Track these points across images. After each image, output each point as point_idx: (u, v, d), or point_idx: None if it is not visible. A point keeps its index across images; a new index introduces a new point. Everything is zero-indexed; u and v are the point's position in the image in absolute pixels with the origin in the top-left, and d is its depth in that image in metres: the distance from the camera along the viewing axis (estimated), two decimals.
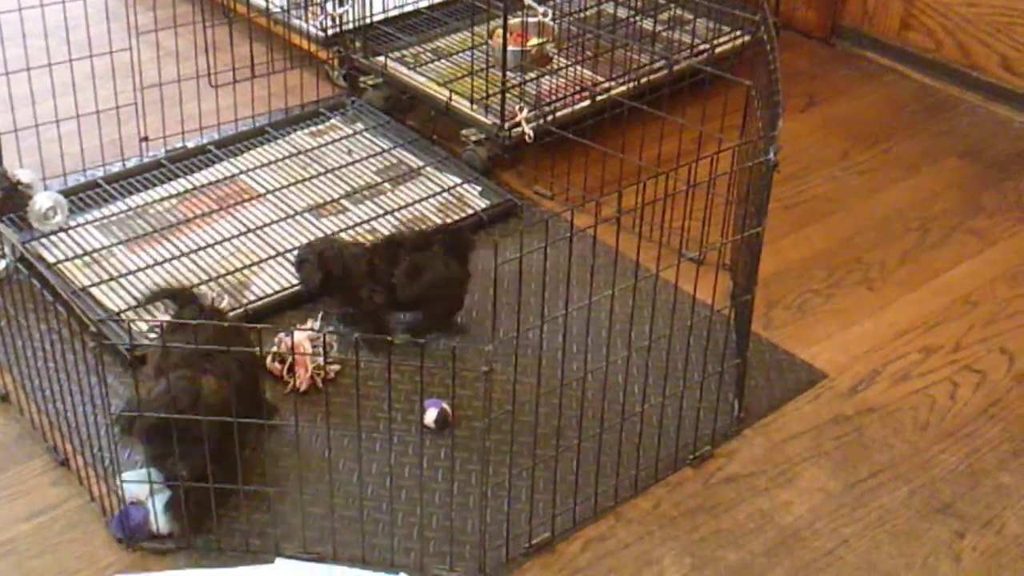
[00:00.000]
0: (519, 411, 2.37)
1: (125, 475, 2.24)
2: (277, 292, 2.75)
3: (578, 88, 3.28)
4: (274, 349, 2.54)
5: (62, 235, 2.90)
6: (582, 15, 3.51)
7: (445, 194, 3.11)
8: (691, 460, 2.40)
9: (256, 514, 2.23)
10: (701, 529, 2.28)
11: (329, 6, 3.48)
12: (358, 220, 3.00)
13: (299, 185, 3.13)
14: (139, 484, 2.18)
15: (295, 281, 2.74)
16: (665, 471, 2.38)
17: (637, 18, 3.59)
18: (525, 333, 2.45)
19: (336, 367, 2.54)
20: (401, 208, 3.04)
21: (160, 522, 2.18)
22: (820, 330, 2.77)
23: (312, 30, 3.55)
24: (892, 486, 2.38)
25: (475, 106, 3.21)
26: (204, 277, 2.78)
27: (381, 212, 3.03)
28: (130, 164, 3.17)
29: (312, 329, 2.60)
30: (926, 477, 2.40)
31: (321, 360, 2.50)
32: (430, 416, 2.42)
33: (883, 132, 3.53)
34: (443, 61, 3.48)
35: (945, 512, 2.33)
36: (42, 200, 2.90)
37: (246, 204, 3.05)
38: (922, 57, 3.79)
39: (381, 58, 3.45)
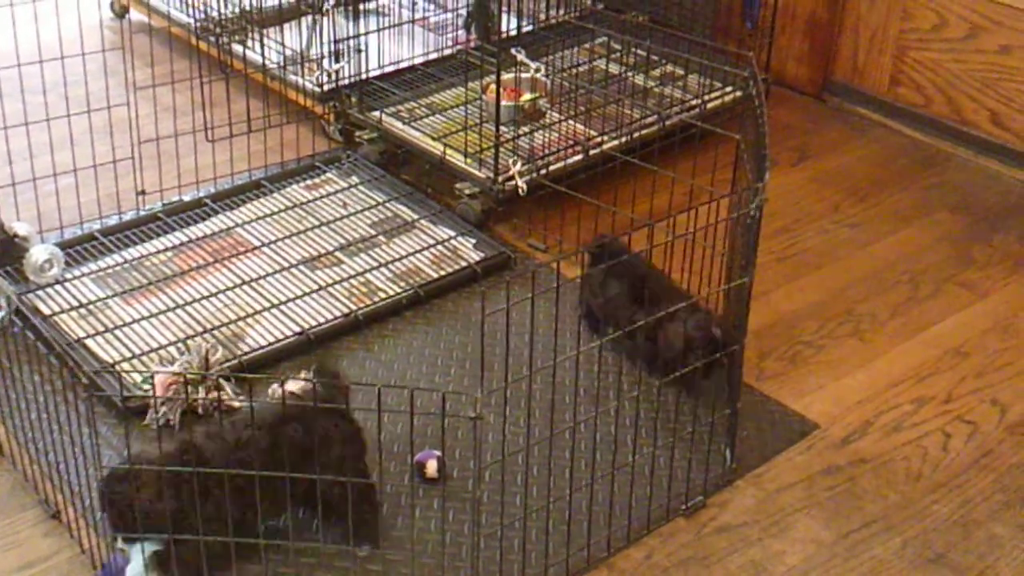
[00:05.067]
0: (510, 461, 2.38)
1: None
2: (271, 344, 2.76)
3: (571, 142, 3.32)
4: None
5: (58, 287, 2.92)
6: (575, 71, 3.55)
7: (439, 247, 3.13)
8: (683, 510, 2.40)
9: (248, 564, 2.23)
10: None
11: (325, 62, 3.53)
12: (353, 272, 3.02)
13: (294, 238, 3.15)
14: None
15: (289, 332, 2.75)
16: (657, 521, 2.37)
17: (629, 74, 3.63)
18: (515, 383, 2.46)
19: None
20: (395, 260, 3.06)
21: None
22: (812, 381, 2.78)
23: (308, 85, 3.59)
24: (885, 537, 2.37)
25: (469, 160, 3.24)
26: (199, 329, 2.79)
27: (375, 264, 3.05)
28: (127, 217, 3.20)
29: (305, 380, 2.60)
30: (919, 528, 2.40)
31: None
32: (432, 467, 2.41)
33: (874, 186, 3.56)
34: (437, 116, 3.51)
35: (938, 563, 2.32)
36: (39, 252, 2.92)
37: (241, 257, 3.06)
38: (912, 112, 3.83)
39: (376, 113, 3.49)
